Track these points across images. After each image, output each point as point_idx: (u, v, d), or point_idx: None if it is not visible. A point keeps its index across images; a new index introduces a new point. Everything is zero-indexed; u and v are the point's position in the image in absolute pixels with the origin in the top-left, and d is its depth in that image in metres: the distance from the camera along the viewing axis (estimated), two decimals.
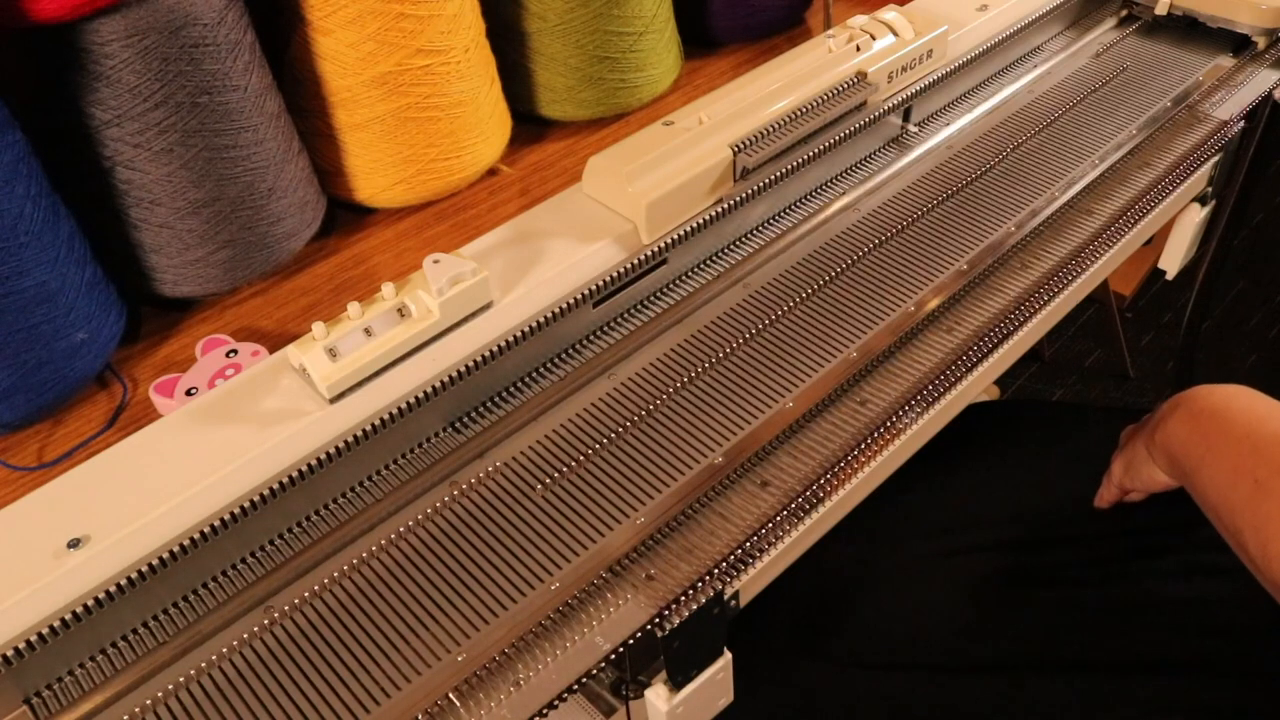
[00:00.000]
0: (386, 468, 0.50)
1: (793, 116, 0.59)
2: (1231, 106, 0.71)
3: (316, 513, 0.48)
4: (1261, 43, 0.76)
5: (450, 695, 0.40)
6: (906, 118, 0.69)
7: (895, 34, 0.64)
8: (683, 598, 0.43)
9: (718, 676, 0.47)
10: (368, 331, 0.47)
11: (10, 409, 0.53)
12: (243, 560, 0.46)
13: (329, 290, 0.64)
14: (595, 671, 0.41)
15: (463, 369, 0.49)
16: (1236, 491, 0.47)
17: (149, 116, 0.54)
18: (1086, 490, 0.62)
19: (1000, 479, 0.67)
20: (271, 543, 0.46)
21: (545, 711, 0.40)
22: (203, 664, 0.42)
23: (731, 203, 0.58)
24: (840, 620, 0.62)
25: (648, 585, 0.44)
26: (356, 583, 0.45)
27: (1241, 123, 0.71)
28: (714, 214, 0.57)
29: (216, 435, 0.46)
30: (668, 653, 0.44)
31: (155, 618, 0.44)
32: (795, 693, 0.61)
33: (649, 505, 0.47)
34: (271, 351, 0.53)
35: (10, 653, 0.39)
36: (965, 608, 0.60)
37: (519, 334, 0.51)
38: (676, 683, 0.46)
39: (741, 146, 0.57)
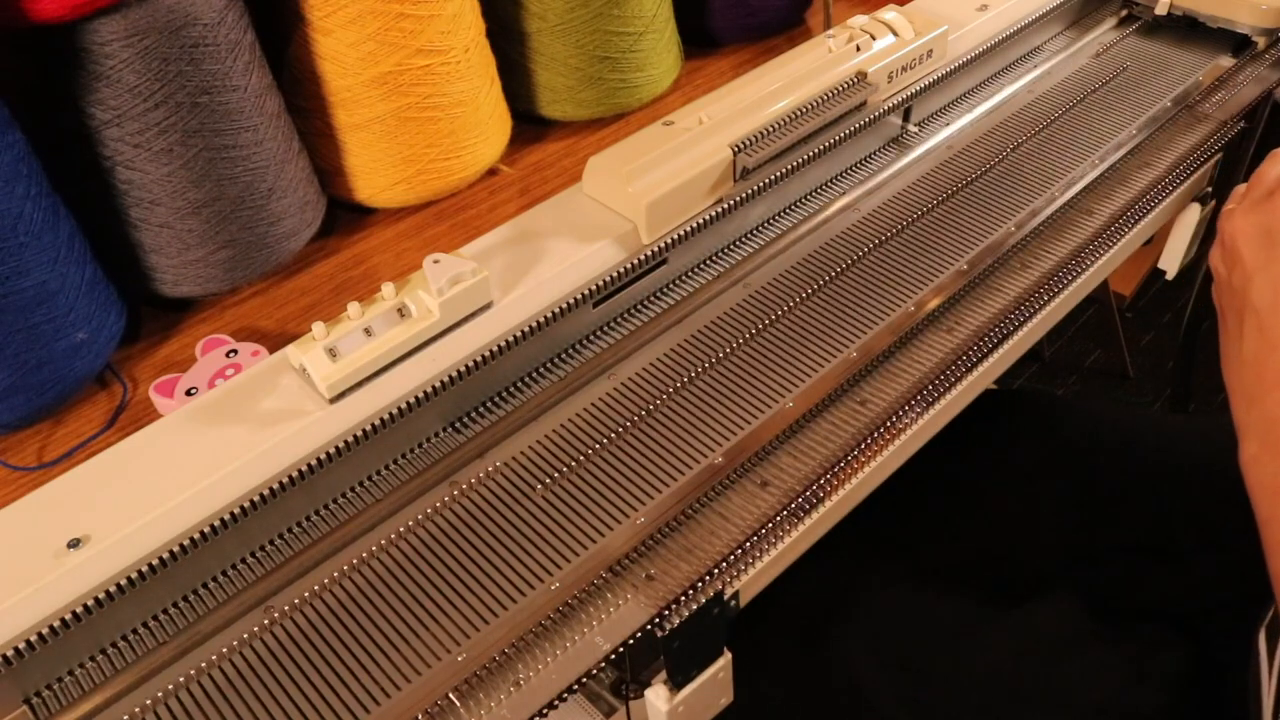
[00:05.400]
0: (386, 468, 0.50)
1: (793, 116, 0.59)
2: (1231, 106, 0.71)
3: (316, 513, 0.48)
4: (1261, 43, 0.76)
5: (450, 695, 0.40)
6: (906, 118, 0.69)
7: (895, 34, 0.64)
8: (683, 598, 0.43)
9: (718, 676, 0.47)
10: (368, 331, 0.47)
11: (10, 409, 0.53)
12: (243, 560, 0.46)
13: (329, 290, 0.64)
14: (595, 671, 0.41)
15: (463, 369, 0.49)
16: None
17: (149, 116, 0.54)
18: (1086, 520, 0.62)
19: (999, 505, 0.66)
20: (271, 543, 0.46)
21: (545, 711, 0.40)
22: (203, 664, 0.42)
23: (731, 203, 0.58)
24: (843, 620, 0.61)
25: (648, 585, 0.44)
26: (356, 583, 0.45)
27: (1241, 123, 0.71)
28: (714, 214, 0.57)
29: (216, 435, 0.46)
30: (668, 653, 0.44)
31: (155, 618, 0.44)
32: (796, 693, 0.61)
33: (649, 505, 0.47)
34: (271, 351, 0.53)
35: (10, 653, 0.39)
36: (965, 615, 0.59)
37: (519, 334, 0.51)
38: (676, 683, 0.46)
39: (741, 146, 0.57)
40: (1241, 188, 0.55)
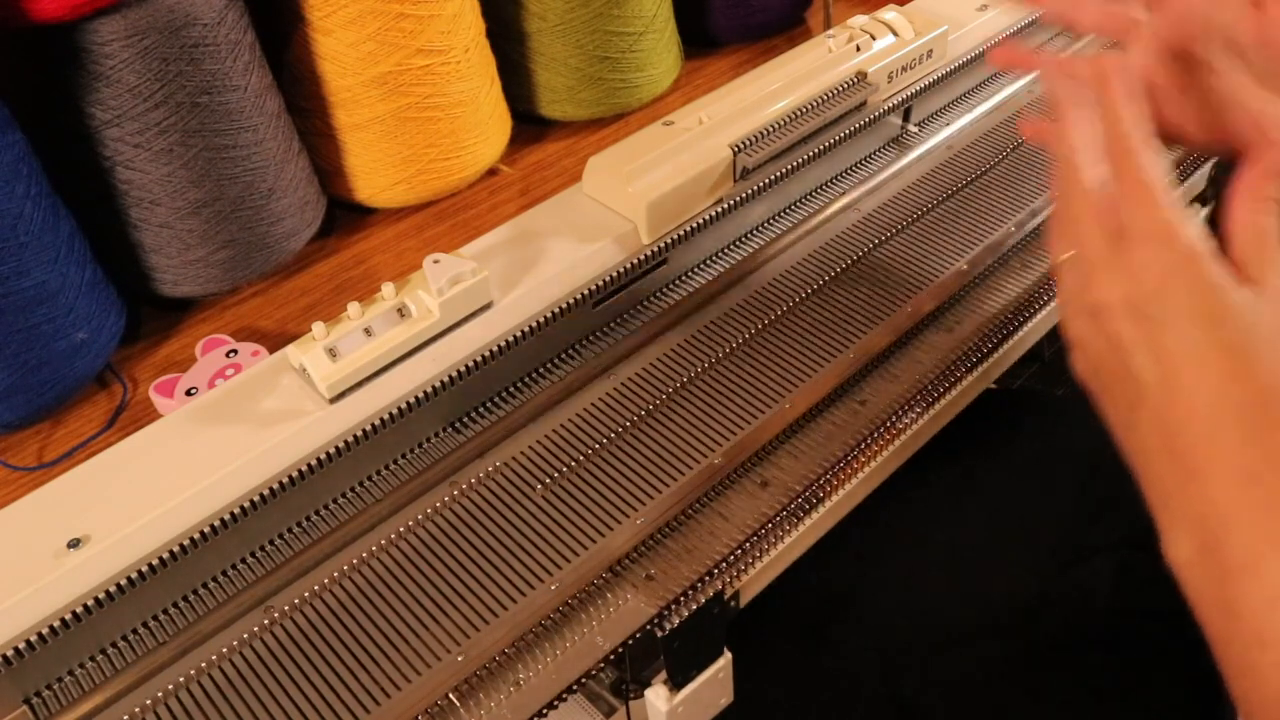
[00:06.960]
0: (386, 468, 0.50)
1: (793, 116, 0.59)
2: None
3: (316, 513, 0.48)
4: None
5: (450, 695, 0.40)
6: (906, 118, 0.69)
7: (895, 34, 0.64)
8: (683, 598, 0.43)
9: (718, 676, 0.47)
10: (368, 331, 0.47)
11: (10, 409, 0.53)
12: (243, 560, 0.46)
13: (329, 290, 0.64)
14: (595, 671, 0.41)
15: (463, 369, 0.49)
16: None
17: (149, 116, 0.54)
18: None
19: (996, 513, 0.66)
20: (271, 543, 0.46)
21: (545, 711, 0.40)
22: (203, 664, 0.42)
23: (731, 203, 0.58)
24: (843, 620, 0.61)
25: (648, 585, 0.44)
26: (356, 583, 0.45)
27: None
28: (714, 214, 0.57)
29: (216, 435, 0.46)
30: (668, 653, 0.44)
31: (155, 618, 0.44)
32: (796, 693, 0.61)
33: (649, 505, 0.47)
34: (271, 351, 0.53)
35: (10, 653, 0.39)
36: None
37: (519, 334, 0.51)
38: (676, 683, 0.46)
39: (741, 146, 0.57)
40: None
